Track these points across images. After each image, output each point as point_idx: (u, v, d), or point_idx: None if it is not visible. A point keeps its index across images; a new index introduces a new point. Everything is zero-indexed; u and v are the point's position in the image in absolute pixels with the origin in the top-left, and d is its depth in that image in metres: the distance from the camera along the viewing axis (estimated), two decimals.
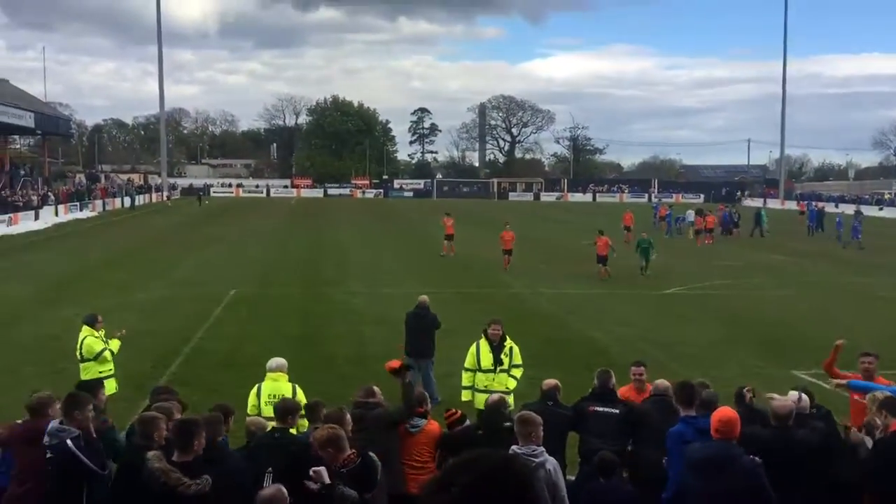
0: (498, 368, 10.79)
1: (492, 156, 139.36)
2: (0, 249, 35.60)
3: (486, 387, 10.51)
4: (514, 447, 6.42)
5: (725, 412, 6.48)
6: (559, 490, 6.37)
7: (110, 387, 10.31)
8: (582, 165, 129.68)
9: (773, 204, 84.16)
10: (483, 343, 10.95)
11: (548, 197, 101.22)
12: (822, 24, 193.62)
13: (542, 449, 6.42)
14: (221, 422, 6.36)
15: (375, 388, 7.87)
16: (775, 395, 7.73)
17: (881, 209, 73.41)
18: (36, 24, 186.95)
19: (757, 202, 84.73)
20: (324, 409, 6.85)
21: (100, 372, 10.62)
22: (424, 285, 25.38)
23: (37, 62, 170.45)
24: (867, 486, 6.47)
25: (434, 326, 13.39)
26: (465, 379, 11.05)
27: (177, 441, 5.61)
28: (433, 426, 7.65)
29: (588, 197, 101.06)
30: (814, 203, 60.90)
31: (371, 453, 5.90)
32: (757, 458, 6.22)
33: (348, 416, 6.66)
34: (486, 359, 10.82)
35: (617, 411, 7.85)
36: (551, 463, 6.40)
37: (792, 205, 76.58)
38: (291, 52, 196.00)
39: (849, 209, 60.59)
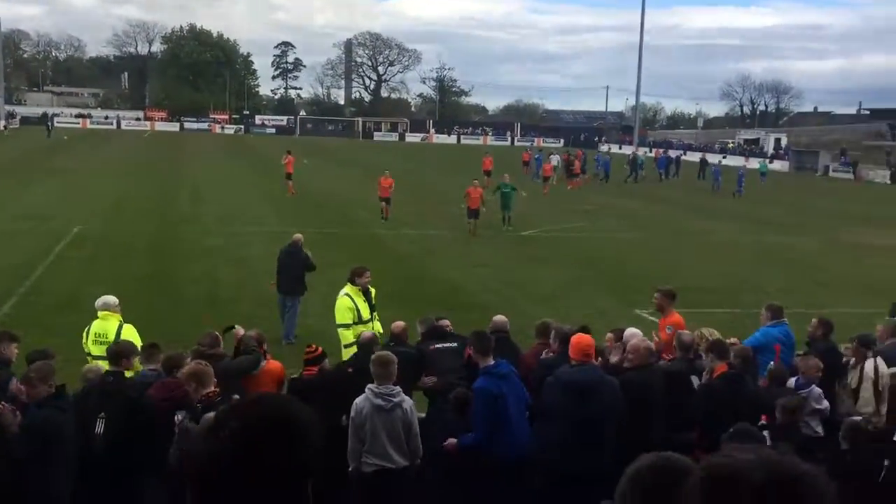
0: (374, 316, 10.54)
1: (357, 94, 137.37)
2: None
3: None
4: (370, 386, 6.44)
5: (583, 338, 6.88)
6: (413, 427, 6.49)
7: None
8: (448, 107, 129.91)
9: (628, 150, 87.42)
10: (356, 293, 10.45)
11: (413, 138, 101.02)
12: None
13: (398, 389, 6.47)
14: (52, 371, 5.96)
15: (218, 336, 7.64)
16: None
17: (725, 157, 77.69)
18: None
19: (613, 148, 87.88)
20: (161, 353, 6.62)
21: None
22: (285, 225, 24.91)
23: None
24: (697, 427, 6.81)
25: (305, 264, 13.29)
26: (347, 336, 10.14)
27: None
28: (273, 365, 7.59)
29: (453, 139, 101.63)
30: (665, 151, 64.14)
31: (236, 396, 5.75)
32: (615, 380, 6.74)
33: (188, 360, 6.44)
34: (365, 309, 10.41)
35: (455, 344, 7.99)
36: (408, 402, 6.49)
37: (645, 151, 79.78)
38: None
39: (695, 157, 64.07)
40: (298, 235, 13.86)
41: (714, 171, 46.55)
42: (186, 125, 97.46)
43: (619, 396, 6.58)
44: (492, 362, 6.76)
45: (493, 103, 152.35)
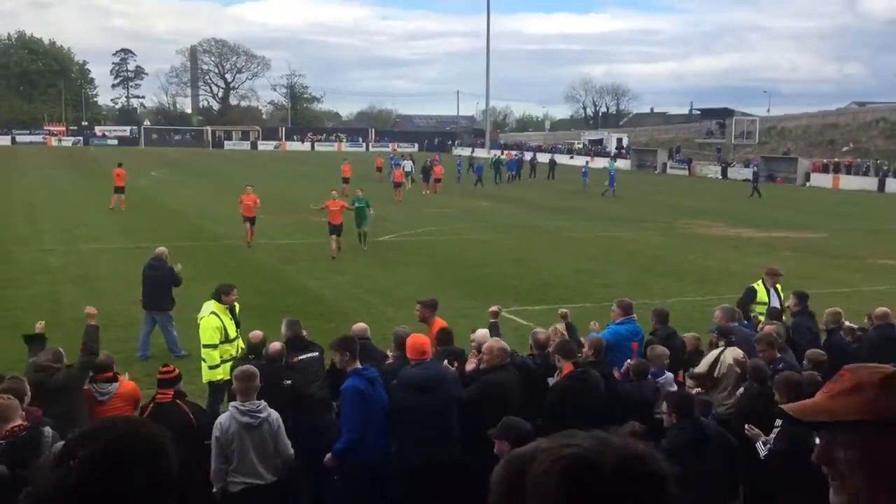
0: (238, 332, 10.18)
1: (205, 102, 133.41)
2: None
3: (232, 356, 9.68)
4: (233, 403, 6.30)
5: (417, 337, 7.35)
6: (281, 440, 6.42)
7: None
8: (300, 114, 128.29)
9: (480, 153, 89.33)
10: (223, 312, 10.03)
11: (266, 146, 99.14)
12: None
13: (263, 403, 6.38)
14: None
15: (61, 351, 7.28)
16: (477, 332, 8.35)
17: (572, 157, 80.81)
18: None
19: (466, 151, 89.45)
20: (25, 383, 6.23)
21: None
22: (132, 240, 23.92)
23: None
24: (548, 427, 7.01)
25: (171, 279, 12.90)
26: (214, 357, 9.75)
27: None
28: (127, 387, 7.29)
29: (307, 146, 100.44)
30: (516, 153, 66.34)
31: (46, 428, 5.44)
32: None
33: (26, 386, 6.09)
34: (231, 327, 10.07)
35: (317, 353, 8.04)
36: (274, 415, 6.40)
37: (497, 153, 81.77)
38: None
39: (544, 157, 66.49)
40: (162, 249, 13.51)
41: (583, 172, 48.29)
42: (18, 138, 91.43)
43: (458, 386, 7.07)
44: (359, 366, 6.88)
45: (347, 109, 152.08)
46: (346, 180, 38.52)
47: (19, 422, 5.38)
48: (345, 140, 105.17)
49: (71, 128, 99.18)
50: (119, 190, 31.20)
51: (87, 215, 29.55)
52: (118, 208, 30.56)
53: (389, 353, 8.21)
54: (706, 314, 12.20)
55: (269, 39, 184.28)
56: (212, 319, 9.84)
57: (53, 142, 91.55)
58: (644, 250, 24.67)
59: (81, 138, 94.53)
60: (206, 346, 9.85)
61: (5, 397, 5.62)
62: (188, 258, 20.65)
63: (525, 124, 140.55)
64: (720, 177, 64.84)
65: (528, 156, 67.17)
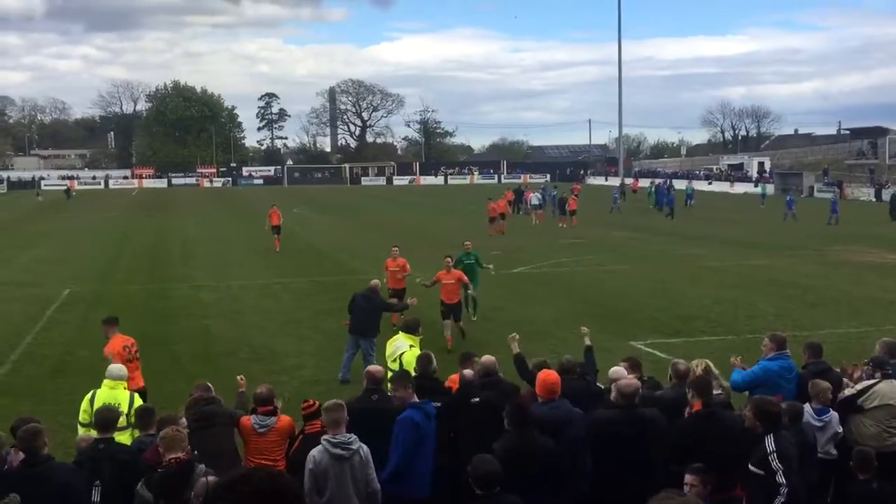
0: None
1: (343, 141, 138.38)
2: None
3: None
4: (324, 437, 6.39)
5: (549, 374, 7.09)
6: (370, 472, 6.43)
7: None
8: (433, 148, 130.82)
9: (614, 181, 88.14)
10: (418, 344, 10.28)
11: (400, 181, 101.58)
12: (653, 9, 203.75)
13: (354, 436, 6.41)
14: (43, 433, 5.89)
15: (210, 385, 7.61)
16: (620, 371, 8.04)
17: (710, 183, 78.31)
18: None
19: (599, 180, 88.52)
20: (156, 416, 6.57)
21: None
22: (274, 275, 24.97)
23: None
24: (673, 462, 6.62)
25: (381, 309, 14.02)
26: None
27: None
28: (284, 421, 7.45)
29: (440, 180, 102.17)
30: (658, 181, 64.83)
31: (198, 464, 5.68)
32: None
33: (183, 420, 6.40)
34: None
35: (440, 404, 7.67)
36: (364, 449, 6.42)
37: (634, 182, 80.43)
38: (128, 35, 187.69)
39: (682, 184, 64.54)
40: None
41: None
42: (174, 181, 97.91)
43: (585, 429, 6.82)
44: (417, 400, 7.04)
45: (479, 142, 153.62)
46: (493, 220, 35.97)
47: (180, 454, 5.65)
48: (477, 172, 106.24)
49: (220, 169, 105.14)
50: (276, 230, 31.34)
51: (235, 252, 31.10)
52: (272, 247, 30.72)
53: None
54: (864, 347, 11.42)
55: (403, 77, 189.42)
56: (416, 352, 9.77)
57: (205, 183, 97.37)
58: (791, 279, 23.45)
59: (230, 179, 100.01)
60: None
61: (175, 429, 5.94)
62: (327, 293, 21.42)
63: (660, 151, 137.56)
64: (874, 199, 61.02)
65: (663, 182, 65.13)
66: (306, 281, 24.07)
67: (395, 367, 9.87)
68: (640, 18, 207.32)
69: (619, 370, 7.76)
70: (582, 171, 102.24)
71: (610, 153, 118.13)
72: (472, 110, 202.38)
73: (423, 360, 8.30)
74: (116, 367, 8.43)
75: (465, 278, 16.52)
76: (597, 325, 17.56)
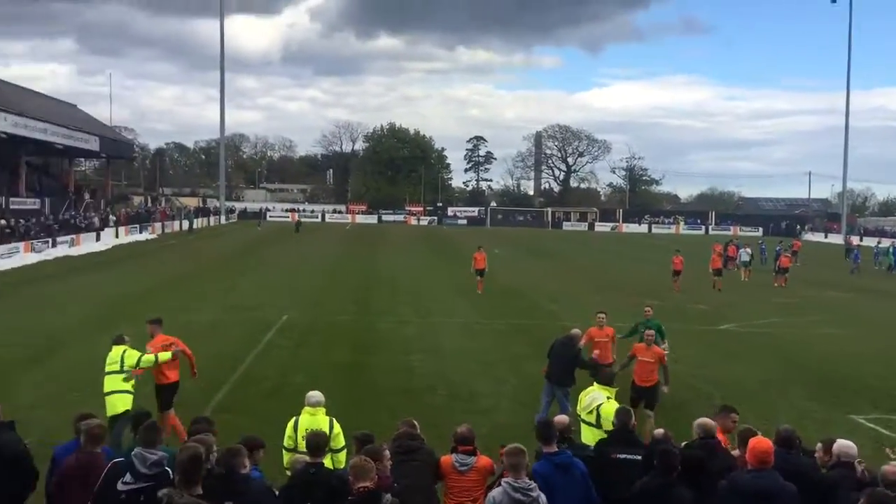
0: None
1: (546, 185, 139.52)
2: (62, 270, 36.68)
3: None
4: (505, 479, 6.35)
5: (764, 442, 6.61)
6: None
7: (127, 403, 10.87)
8: (638, 196, 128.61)
9: (835, 238, 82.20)
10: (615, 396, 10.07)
11: (602, 227, 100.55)
12: (882, 56, 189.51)
13: (534, 484, 6.34)
14: (242, 454, 6.34)
15: (415, 422, 7.86)
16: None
17: None
18: (105, 51, 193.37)
19: (818, 236, 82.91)
20: (385, 450, 6.92)
21: (122, 388, 11.04)
22: (475, 315, 25.43)
23: (104, 87, 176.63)
24: None
25: (576, 359, 13.43)
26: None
27: (180, 476, 5.59)
28: (483, 462, 7.54)
29: (643, 228, 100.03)
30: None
31: (388, 496, 5.90)
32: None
33: (387, 452, 6.68)
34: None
35: (639, 457, 7.40)
36: (542, 499, 6.32)
37: (856, 241, 74.63)
38: (351, 79, 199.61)
39: None
40: (576, 330, 14.11)
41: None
42: (384, 217, 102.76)
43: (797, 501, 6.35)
44: (554, 449, 6.89)
45: (686, 191, 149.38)
46: (677, 273, 34.23)
47: (368, 483, 5.90)
48: (683, 222, 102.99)
49: (427, 208, 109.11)
50: (480, 273, 31.59)
51: (438, 290, 32.05)
52: (475, 288, 31.03)
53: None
54: None
55: (611, 124, 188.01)
56: (613, 405, 9.50)
57: (412, 221, 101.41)
58: None
59: (436, 218, 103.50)
60: (608, 432, 9.13)
61: (363, 459, 6.23)
62: (525, 335, 21.50)
63: (890, 208, 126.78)
64: None
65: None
66: (505, 322, 24.34)
67: (592, 418, 9.71)
68: (868, 66, 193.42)
69: (845, 443, 7.18)
70: (798, 226, 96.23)
71: (832, 208, 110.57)
72: (681, 158, 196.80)
73: (622, 414, 8.10)
74: (315, 395, 8.91)
75: (664, 357, 13.54)
76: (805, 392, 16.47)
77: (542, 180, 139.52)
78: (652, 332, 13.97)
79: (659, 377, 13.24)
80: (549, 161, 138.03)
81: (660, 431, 8.40)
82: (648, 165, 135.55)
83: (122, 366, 11.18)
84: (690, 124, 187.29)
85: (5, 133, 46.95)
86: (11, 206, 47.06)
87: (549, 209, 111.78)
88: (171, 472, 5.78)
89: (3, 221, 41.69)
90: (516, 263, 44.82)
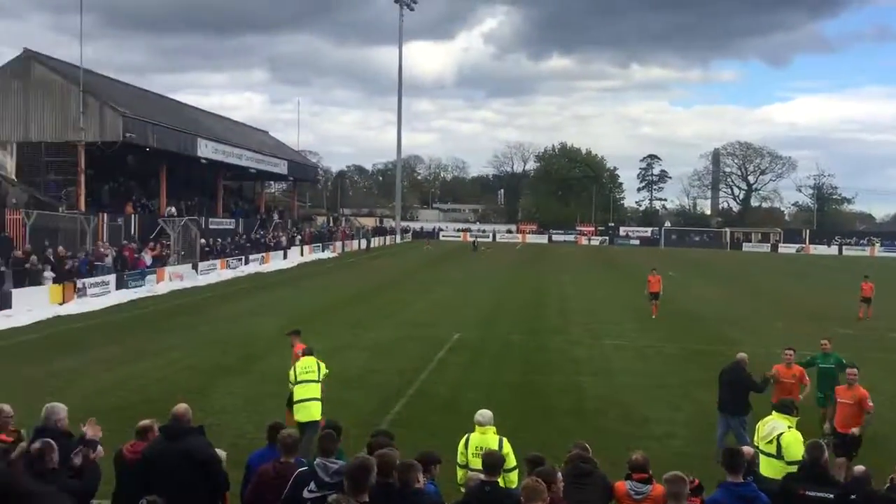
0: None
1: (725, 204, 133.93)
2: (254, 286, 39.24)
3: None
4: None
5: None
6: None
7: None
8: (827, 216, 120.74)
9: None
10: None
11: (786, 249, 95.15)
12: None
13: None
14: (416, 468, 6.52)
15: (587, 445, 7.81)
16: None
17: None
18: (294, 81, 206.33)
19: None
20: (558, 472, 6.96)
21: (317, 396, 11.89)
22: (649, 339, 24.82)
23: (293, 114, 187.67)
24: None
25: (747, 385, 12.81)
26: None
27: (349, 483, 5.80)
28: (659, 490, 7.37)
29: (833, 250, 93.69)
30: None
31: None
32: None
33: (559, 475, 6.68)
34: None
35: (832, 496, 7.01)
36: None
37: None
38: (523, 100, 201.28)
39: None
40: (742, 355, 13.41)
41: None
42: (554, 237, 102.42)
43: None
44: (739, 480, 6.64)
45: (882, 211, 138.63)
46: (866, 300, 30.94)
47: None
48: (879, 244, 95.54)
49: (599, 228, 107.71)
50: (654, 296, 30.76)
51: (609, 311, 31.52)
52: (648, 311, 30.17)
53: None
54: None
55: (797, 139, 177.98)
56: (796, 435, 9.15)
57: (583, 241, 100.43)
58: None
59: (607, 238, 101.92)
60: (790, 462, 8.94)
61: (535, 480, 6.25)
62: (701, 361, 20.71)
63: None
64: None
65: None
66: (679, 347, 23.59)
67: (772, 449, 9.25)
68: None
69: None
70: None
71: None
72: (877, 175, 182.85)
73: (814, 449, 7.61)
74: (484, 414, 9.01)
75: (867, 400, 11.83)
76: None
77: (720, 199, 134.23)
78: (854, 370, 12.38)
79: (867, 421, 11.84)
80: (728, 179, 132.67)
81: (860, 469, 7.84)
82: (839, 183, 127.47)
83: (318, 375, 11.96)
84: (888, 139, 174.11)
85: (206, 159, 51.07)
86: (210, 226, 50.94)
87: (728, 229, 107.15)
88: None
89: (203, 241, 45.20)
90: (692, 286, 43.28)
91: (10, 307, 26.53)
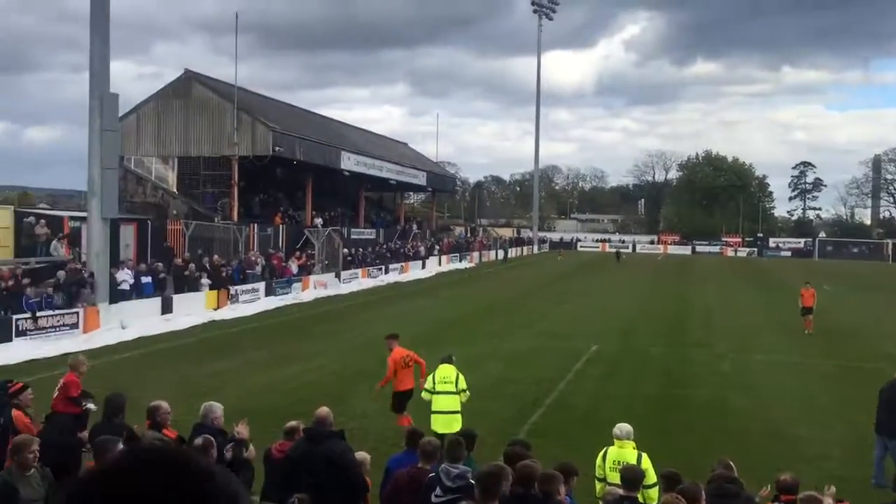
0: None
1: (886, 213, 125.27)
2: (393, 295, 40.17)
3: None
4: None
5: None
6: None
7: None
8: None
9: None
10: None
11: None
12: None
13: None
14: (559, 480, 6.47)
15: (731, 463, 7.52)
16: None
17: None
18: (433, 93, 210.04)
19: None
20: (680, 483, 6.75)
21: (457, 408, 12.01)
22: (800, 354, 23.62)
23: (432, 126, 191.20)
24: None
25: None
26: None
27: (479, 489, 5.82)
28: None
29: None
30: None
31: None
32: None
33: (703, 493, 6.48)
34: None
35: None
36: None
37: None
38: (664, 107, 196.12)
39: None
40: None
41: None
42: (698, 248, 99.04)
43: None
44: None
45: None
46: None
47: None
48: None
49: (746, 239, 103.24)
50: (807, 311, 28.58)
51: (756, 325, 30.17)
52: (800, 327, 28.33)
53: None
54: None
55: None
56: None
57: (729, 252, 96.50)
58: None
59: (755, 249, 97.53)
60: None
61: (677, 497, 6.12)
62: (857, 380, 19.47)
63: None
64: None
65: None
66: (834, 364, 22.29)
67: None
68: None
69: None
70: None
71: None
72: None
73: None
74: (623, 427, 8.84)
75: None
76: None
77: (881, 209, 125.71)
78: None
79: None
80: (890, 187, 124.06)
81: None
82: None
83: (456, 387, 12.04)
84: None
85: (349, 171, 52.82)
86: (352, 236, 52.58)
87: (890, 241, 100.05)
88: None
89: (345, 250, 46.71)
90: (849, 300, 40.73)
91: (171, 311, 28.39)
